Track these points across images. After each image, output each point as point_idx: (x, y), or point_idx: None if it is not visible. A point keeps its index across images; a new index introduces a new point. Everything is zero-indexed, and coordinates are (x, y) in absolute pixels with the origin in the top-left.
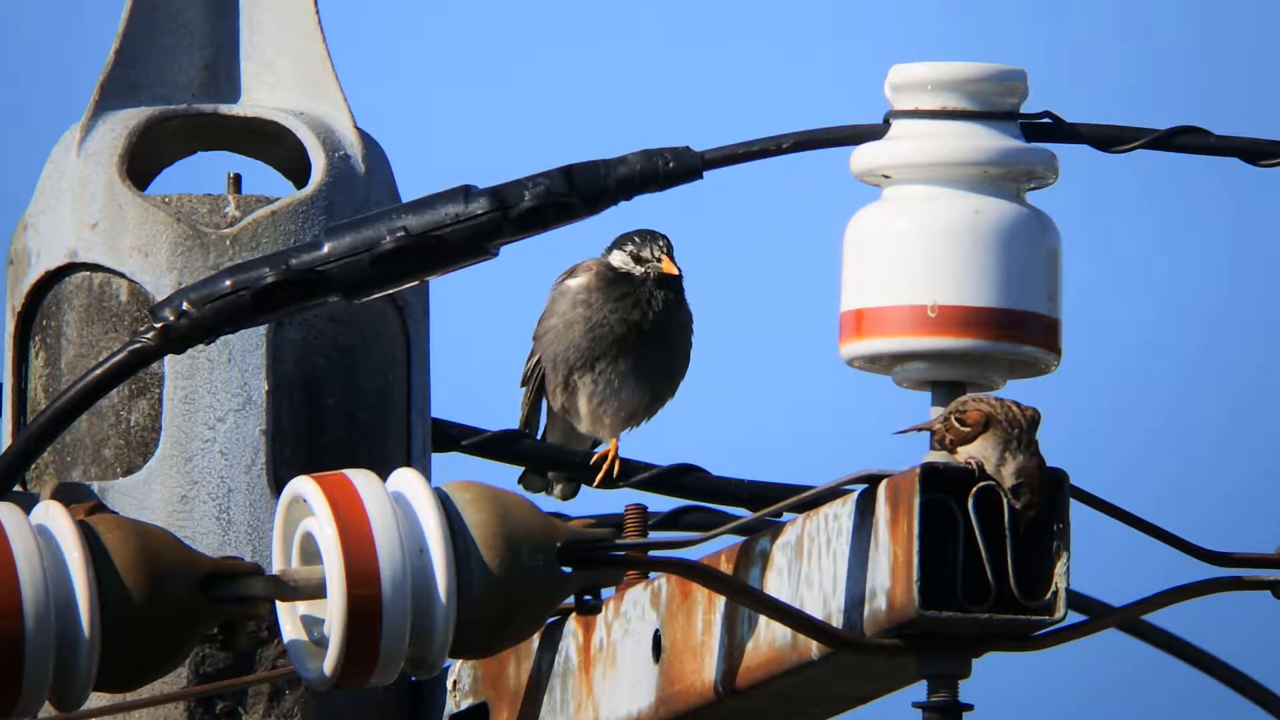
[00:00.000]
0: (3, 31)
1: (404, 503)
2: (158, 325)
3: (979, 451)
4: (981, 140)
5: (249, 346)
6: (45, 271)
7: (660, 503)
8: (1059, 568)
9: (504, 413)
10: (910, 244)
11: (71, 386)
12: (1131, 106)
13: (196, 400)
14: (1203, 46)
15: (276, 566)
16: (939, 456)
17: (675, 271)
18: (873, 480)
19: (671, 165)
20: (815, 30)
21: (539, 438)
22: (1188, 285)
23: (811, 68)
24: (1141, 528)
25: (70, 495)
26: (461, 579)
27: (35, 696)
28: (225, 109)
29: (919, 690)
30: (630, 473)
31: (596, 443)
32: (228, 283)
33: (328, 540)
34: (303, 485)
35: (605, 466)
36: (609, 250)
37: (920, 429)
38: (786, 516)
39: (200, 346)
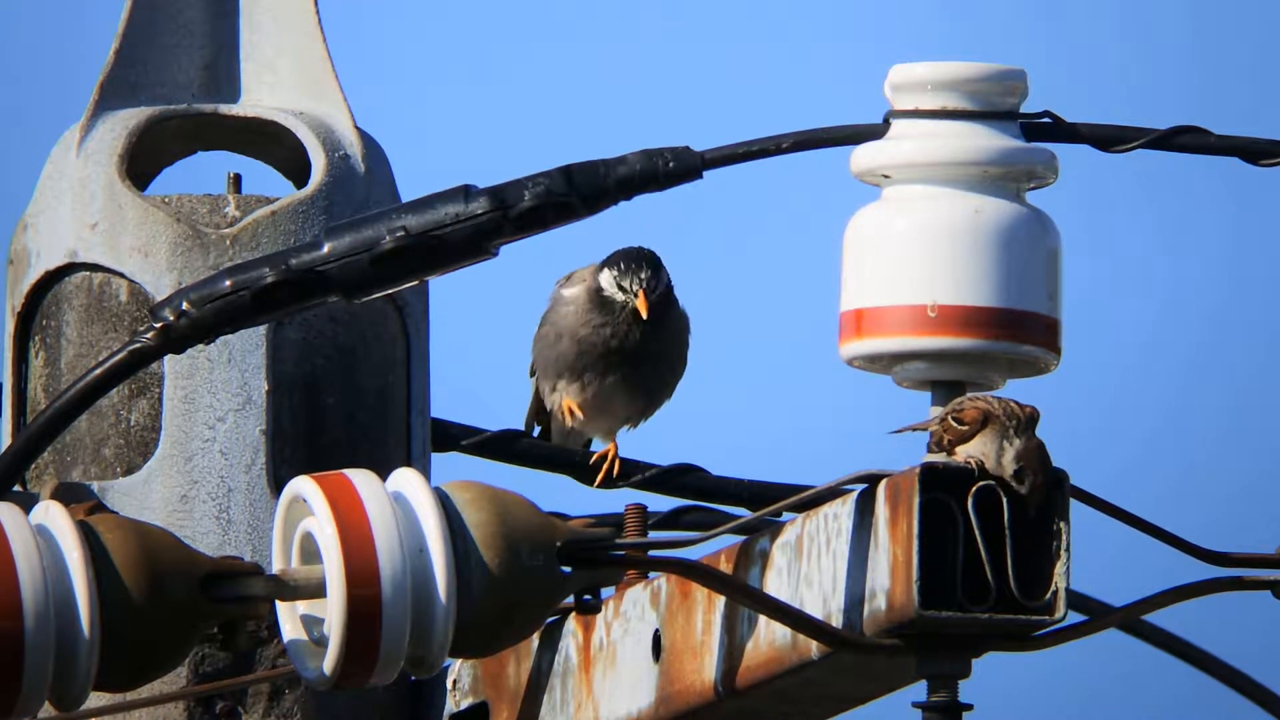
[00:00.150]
0: (3, 31)
1: (404, 503)
2: (157, 325)
3: (978, 449)
4: (981, 140)
5: (249, 346)
6: (45, 271)
7: (660, 503)
8: (1059, 568)
9: (504, 413)
10: (910, 244)
11: (71, 386)
12: (1131, 106)
13: (196, 400)
14: (1203, 46)
15: (276, 566)
16: (938, 457)
17: (645, 315)
18: (872, 480)
19: (671, 165)
20: (815, 30)
21: (549, 424)
22: (1188, 285)
23: (811, 68)
24: (1141, 528)
25: (70, 495)
26: (461, 579)
27: (35, 696)
28: (225, 109)
29: (919, 690)
30: (630, 472)
31: (589, 442)
32: (228, 283)
33: (327, 540)
34: (302, 485)
35: (605, 466)
36: (602, 265)
37: (916, 429)
38: (786, 516)
39: (200, 346)
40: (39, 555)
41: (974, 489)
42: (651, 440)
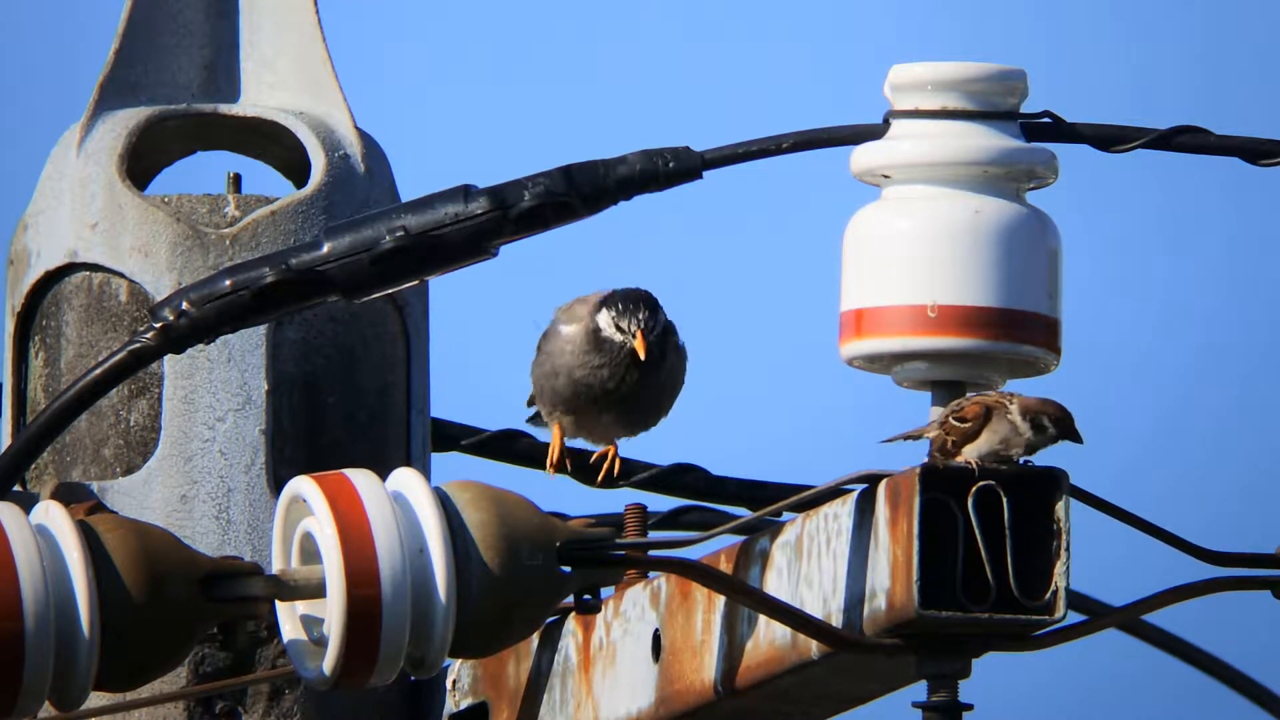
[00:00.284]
0: (3, 31)
1: (404, 503)
2: (157, 325)
3: (988, 444)
4: (981, 140)
5: (249, 346)
6: (45, 271)
7: (660, 502)
8: (1059, 568)
9: (504, 413)
10: (910, 244)
11: (71, 386)
12: (1131, 106)
13: (196, 400)
14: (1203, 46)
15: (276, 566)
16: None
17: (643, 357)
18: (872, 480)
19: (671, 165)
20: (815, 30)
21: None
22: (1188, 285)
23: (811, 68)
24: (1141, 528)
25: (70, 495)
26: (461, 579)
27: (35, 696)
28: (225, 109)
29: (919, 690)
30: (630, 472)
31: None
32: (228, 282)
33: (327, 540)
34: (302, 485)
35: (605, 466)
36: (600, 304)
37: (907, 438)
38: (786, 516)
39: (200, 346)
40: (39, 555)
41: (974, 489)
42: (652, 440)
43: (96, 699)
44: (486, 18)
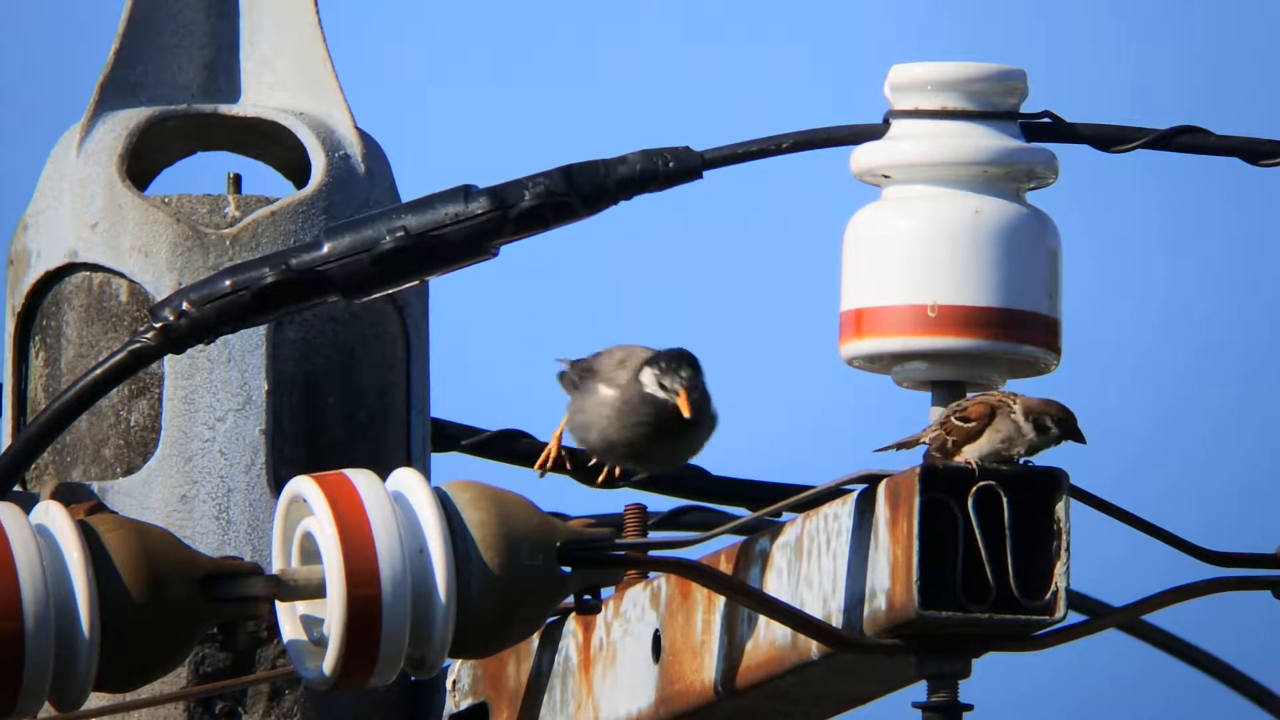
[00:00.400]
0: (3, 31)
1: (404, 503)
2: (157, 325)
3: (990, 444)
4: (981, 140)
5: (249, 346)
6: (45, 271)
7: (660, 503)
8: (1059, 568)
9: (504, 413)
10: (910, 244)
11: (71, 386)
12: (1131, 106)
13: (196, 400)
14: (1203, 46)
15: (276, 566)
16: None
17: (687, 414)
18: (872, 480)
19: (671, 165)
20: (815, 30)
21: None
22: (1188, 285)
23: (811, 68)
24: (1141, 528)
25: (70, 495)
26: (461, 579)
27: (35, 696)
28: (225, 109)
29: (919, 690)
30: (630, 473)
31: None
32: (228, 283)
33: (328, 540)
34: (302, 485)
35: (607, 468)
36: (645, 363)
37: (901, 445)
38: (786, 516)
39: (200, 346)
40: (39, 555)
41: (974, 489)
42: None
43: (96, 699)
44: (486, 18)
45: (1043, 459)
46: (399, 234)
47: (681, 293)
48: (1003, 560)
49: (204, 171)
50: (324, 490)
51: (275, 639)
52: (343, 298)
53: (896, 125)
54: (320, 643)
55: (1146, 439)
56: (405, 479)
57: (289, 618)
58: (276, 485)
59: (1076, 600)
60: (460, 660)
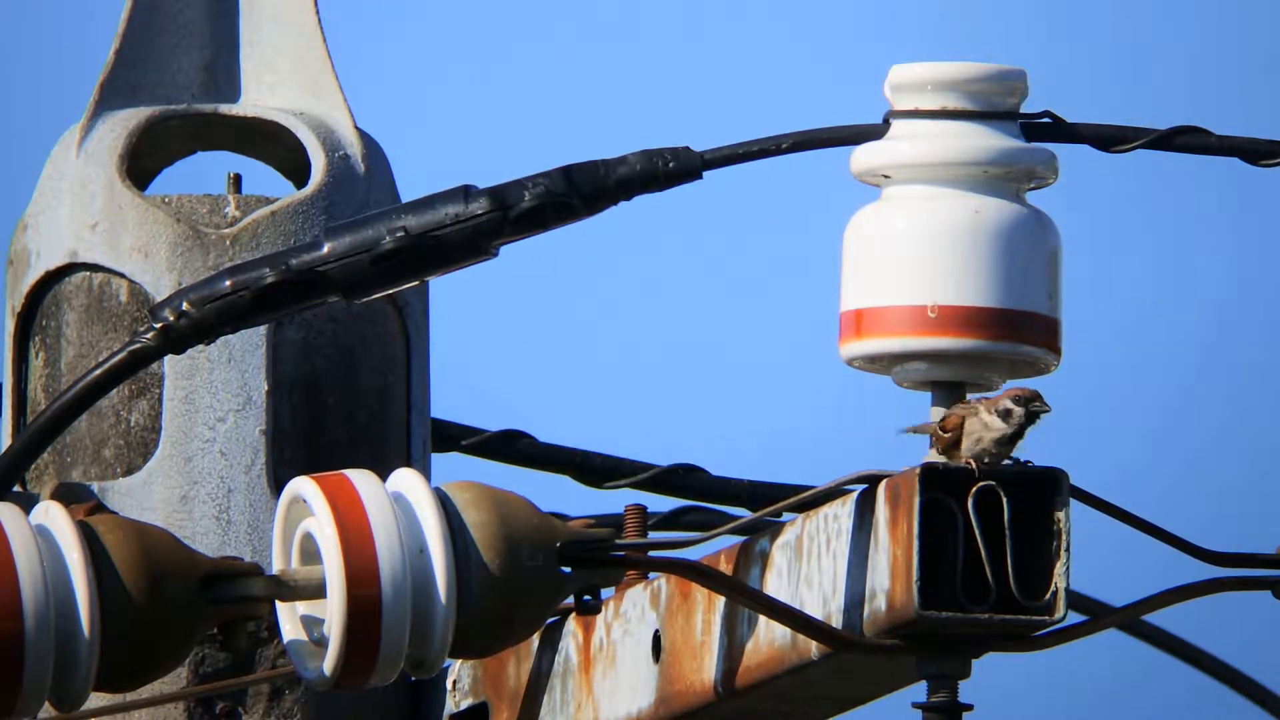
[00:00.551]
0: (3, 31)
1: (404, 503)
2: (157, 325)
3: (967, 448)
4: (981, 140)
5: (249, 346)
6: (45, 271)
7: (660, 503)
8: (1059, 568)
9: (504, 413)
10: (910, 244)
11: (71, 386)
12: (1131, 106)
13: (196, 400)
14: (1203, 46)
15: (276, 566)
16: (939, 457)
17: None
18: (872, 480)
19: (671, 165)
20: (815, 30)
21: None
22: (1188, 285)
23: (811, 68)
24: (1141, 528)
25: (70, 495)
26: (461, 579)
27: (35, 696)
28: (225, 109)
29: (919, 690)
30: (630, 472)
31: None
32: (228, 283)
33: (328, 540)
34: (302, 485)
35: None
36: None
37: (920, 430)
38: (786, 516)
39: (200, 347)
40: (39, 555)
41: (974, 489)
42: (652, 440)
43: (96, 699)
44: (487, 18)
45: (1043, 459)
46: (399, 234)
47: (681, 293)
48: (1003, 560)
49: (204, 171)
50: (324, 491)
51: (275, 639)
52: (343, 298)
53: (896, 125)
54: (320, 643)
55: (1146, 439)
56: (405, 479)
57: (289, 618)
58: (277, 486)
59: (1076, 600)
60: (460, 660)
